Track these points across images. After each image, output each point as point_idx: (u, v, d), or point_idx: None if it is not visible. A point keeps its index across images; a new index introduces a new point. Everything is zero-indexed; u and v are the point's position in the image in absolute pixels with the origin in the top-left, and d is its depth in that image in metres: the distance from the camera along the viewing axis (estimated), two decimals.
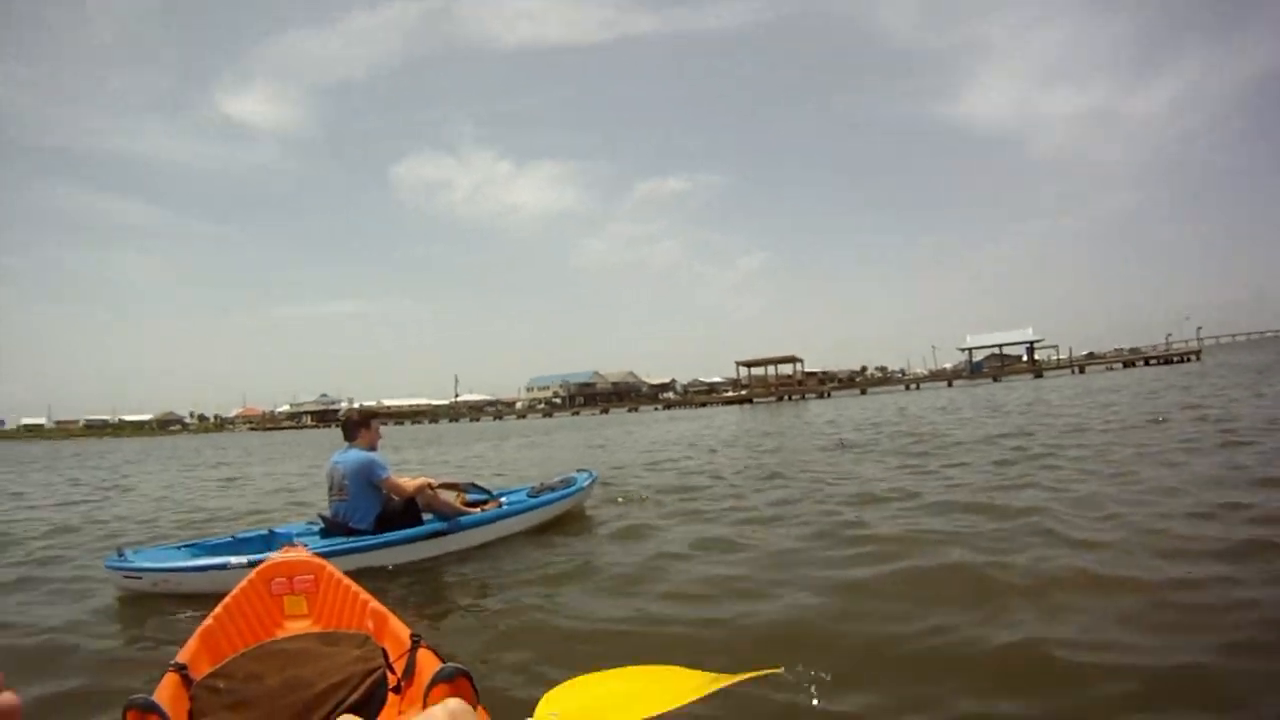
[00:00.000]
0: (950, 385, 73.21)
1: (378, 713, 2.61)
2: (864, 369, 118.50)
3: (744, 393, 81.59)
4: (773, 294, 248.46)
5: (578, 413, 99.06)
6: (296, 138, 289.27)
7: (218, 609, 3.61)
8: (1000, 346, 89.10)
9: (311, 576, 4.05)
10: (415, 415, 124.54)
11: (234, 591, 3.86)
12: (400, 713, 2.68)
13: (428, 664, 2.80)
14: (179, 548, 6.54)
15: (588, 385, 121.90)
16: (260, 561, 4.32)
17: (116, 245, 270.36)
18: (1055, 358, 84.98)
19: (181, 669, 2.82)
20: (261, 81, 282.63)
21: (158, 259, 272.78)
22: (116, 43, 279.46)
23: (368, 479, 6.51)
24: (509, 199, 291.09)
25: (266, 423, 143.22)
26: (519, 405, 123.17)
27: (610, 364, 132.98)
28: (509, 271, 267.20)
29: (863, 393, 77.01)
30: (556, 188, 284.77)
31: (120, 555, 5.95)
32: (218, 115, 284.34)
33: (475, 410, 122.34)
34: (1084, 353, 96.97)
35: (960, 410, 25.49)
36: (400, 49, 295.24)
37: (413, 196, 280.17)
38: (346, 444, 6.73)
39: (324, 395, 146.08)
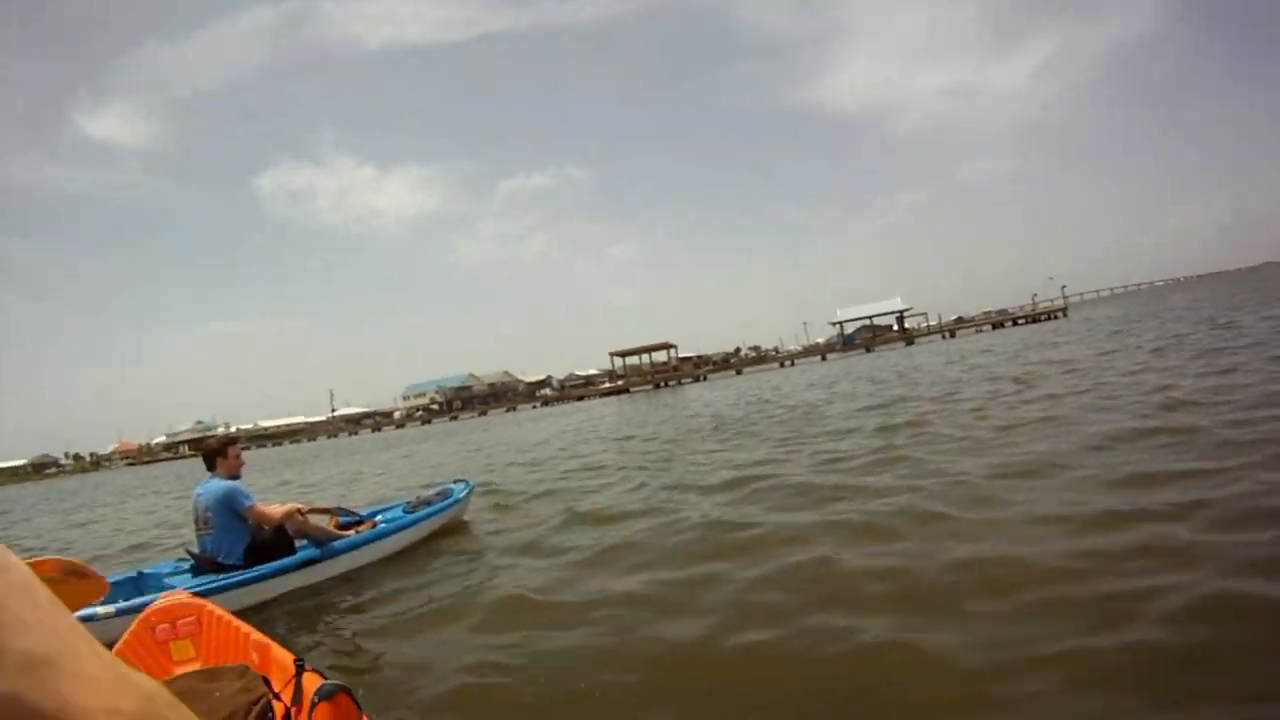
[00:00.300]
0: (824, 359, 72.92)
1: None
2: (738, 350, 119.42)
3: (620, 383, 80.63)
4: (644, 283, 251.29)
5: (455, 417, 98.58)
6: (159, 155, 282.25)
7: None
8: (871, 318, 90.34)
9: (193, 618, 3.91)
10: (292, 435, 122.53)
11: (118, 644, 3.75)
12: None
13: (313, 687, 2.69)
14: None
15: (464, 389, 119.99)
16: (135, 609, 4.30)
17: None
18: (925, 325, 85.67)
19: None
20: (119, 99, 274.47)
21: (21, 293, 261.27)
22: None
23: (231, 509, 6.23)
24: (375, 204, 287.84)
25: (144, 456, 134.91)
26: (397, 415, 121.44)
27: (486, 365, 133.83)
28: (380, 278, 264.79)
29: (738, 373, 77.40)
30: (423, 190, 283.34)
31: None
32: (77, 136, 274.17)
33: (352, 424, 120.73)
34: (953, 318, 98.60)
35: (835, 384, 25.68)
36: (258, 57, 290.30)
37: (278, 209, 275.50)
38: (209, 474, 6.47)
39: (199, 422, 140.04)
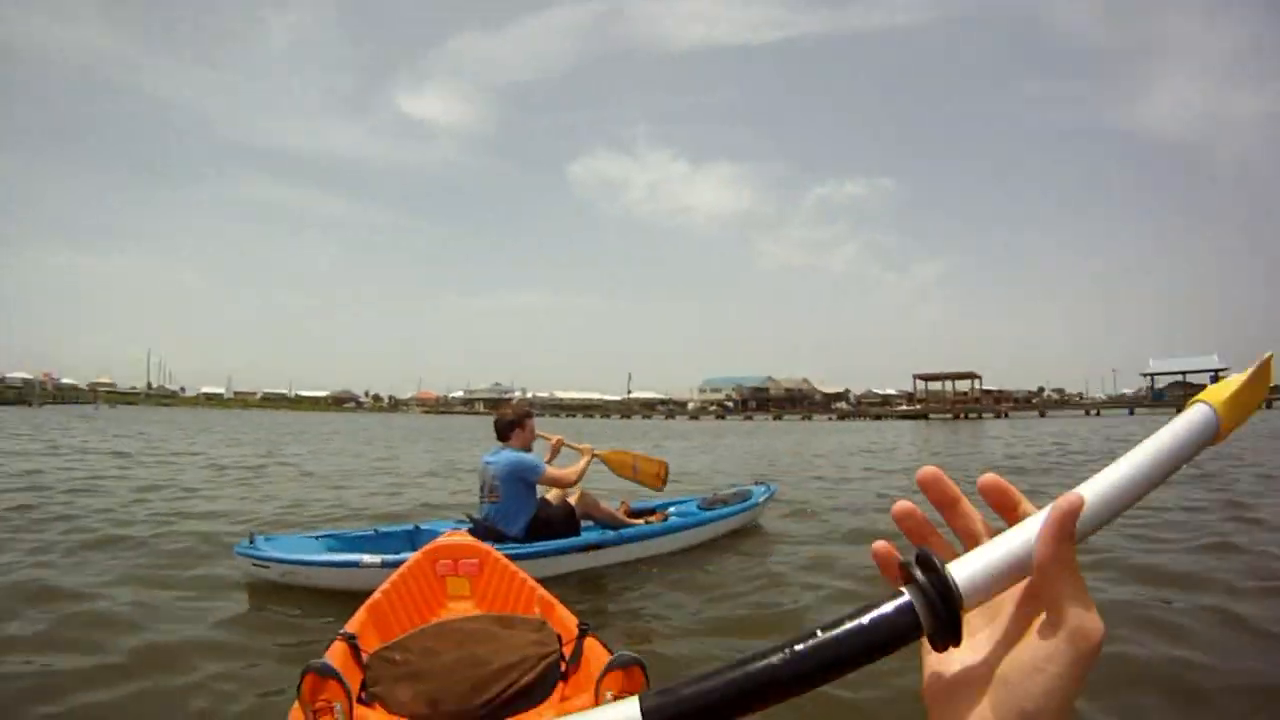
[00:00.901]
0: (1132, 413, 72.07)
1: (546, 696, 2.76)
2: (1041, 390, 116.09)
3: (919, 407, 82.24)
4: (950, 304, 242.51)
5: (750, 417, 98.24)
6: (474, 135, 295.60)
7: (385, 584, 3.77)
8: (1184, 374, 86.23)
9: (476, 560, 4.14)
10: (587, 409, 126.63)
11: (401, 569, 4.00)
12: (564, 698, 2.79)
13: (594, 653, 2.90)
14: (316, 538, 6.17)
15: (760, 390, 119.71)
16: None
17: (305, 235, 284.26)
18: None
19: (350, 639, 2.96)
20: (437, 82, 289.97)
21: (342, 248, 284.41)
22: (294, 48, 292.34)
23: (521, 480, 5.99)
24: (685, 199, 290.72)
25: (439, 407, 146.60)
26: (691, 406, 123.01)
27: (783, 369, 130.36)
28: (685, 271, 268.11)
29: (1041, 415, 76.77)
30: (732, 188, 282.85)
31: (250, 542, 5.62)
32: (397, 114, 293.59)
33: (647, 408, 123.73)
34: None
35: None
36: (570, 50, 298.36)
37: (590, 194, 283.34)
38: (499, 444, 6.21)
39: (497, 384, 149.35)
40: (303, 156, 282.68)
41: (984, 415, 73.72)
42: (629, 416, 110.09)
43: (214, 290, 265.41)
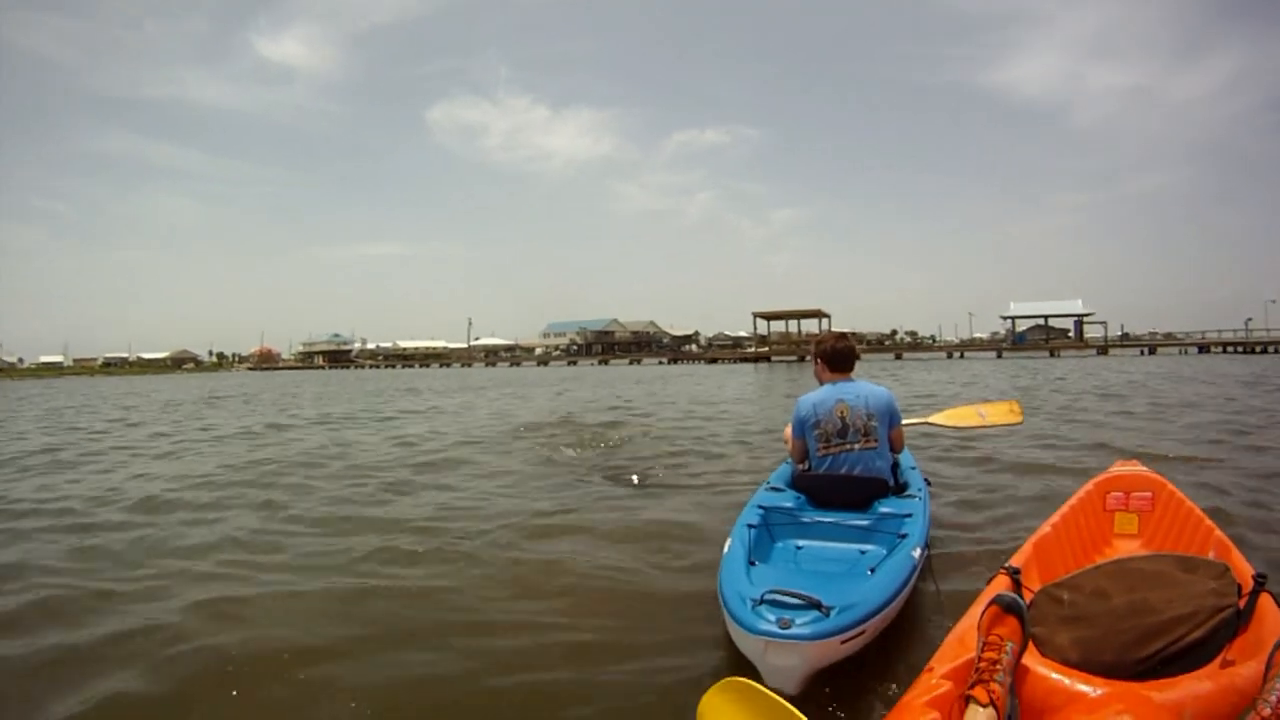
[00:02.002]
0: (1000, 356, 67.20)
1: (1210, 657, 2.32)
2: (894, 332, 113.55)
3: (764, 349, 75.88)
4: (804, 250, 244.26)
5: (606, 361, 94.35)
6: (333, 81, 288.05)
7: (1054, 518, 3.66)
8: (1046, 318, 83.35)
9: (1149, 494, 3.88)
10: (433, 358, 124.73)
11: (1070, 501, 3.87)
12: (1226, 662, 2.31)
13: (1270, 612, 2.44)
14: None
15: (606, 334, 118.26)
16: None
17: (154, 188, 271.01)
18: (1107, 335, 78.31)
19: (1014, 573, 2.94)
20: (297, 25, 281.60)
21: (194, 201, 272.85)
22: None
23: (891, 424, 4.64)
24: (545, 145, 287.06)
25: (263, 363, 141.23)
26: (539, 352, 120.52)
27: (633, 313, 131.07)
28: (538, 218, 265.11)
29: (898, 358, 72.53)
30: (593, 134, 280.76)
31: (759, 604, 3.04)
32: (255, 58, 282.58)
33: (491, 355, 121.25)
34: (1146, 331, 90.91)
35: (1102, 390, 19.08)
36: None
37: (449, 140, 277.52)
38: (834, 378, 4.70)
39: (336, 335, 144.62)
40: (154, 105, 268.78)
41: None
42: (469, 365, 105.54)
43: (48, 251, 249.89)
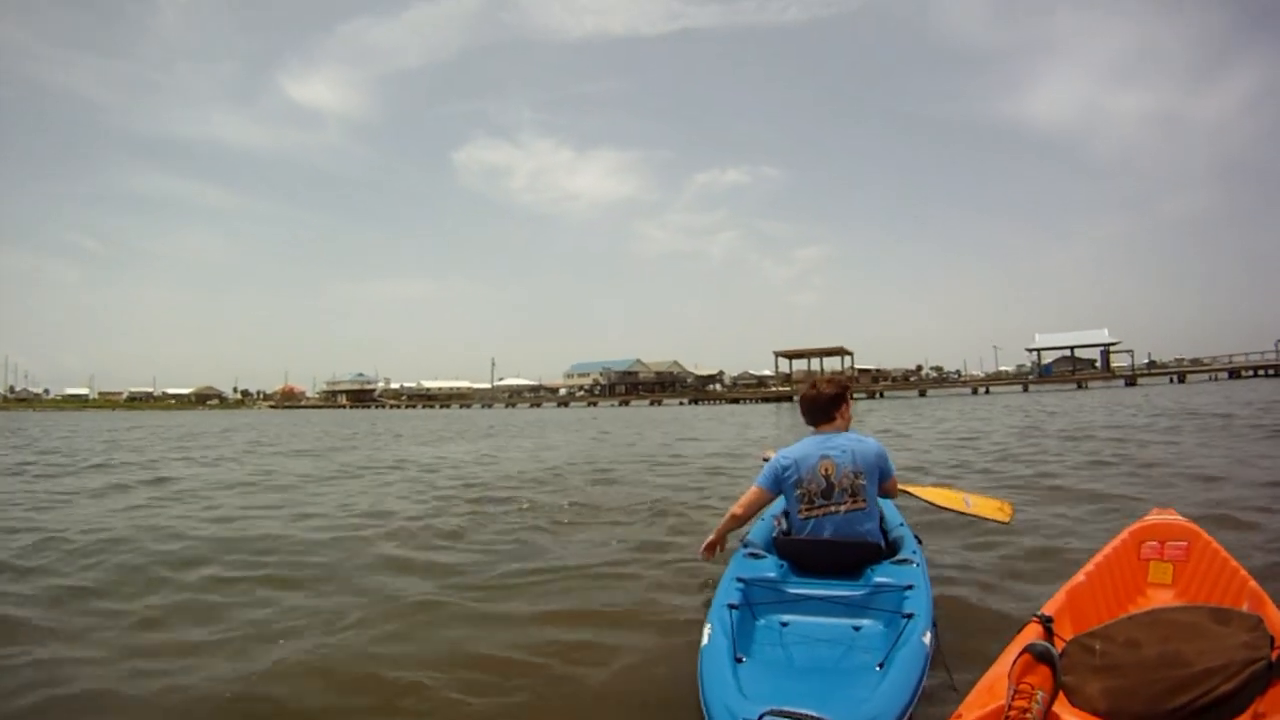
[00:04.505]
0: (1026, 389, 66.69)
1: (1241, 710, 2.30)
2: (919, 368, 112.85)
3: (788, 389, 75.54)
4: (827, 288, 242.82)
5: (627, 402, 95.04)
6: (360, 123, 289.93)
7: (1088, 566, 3.67)
8: (1072, 349, 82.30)
9: (1185, 544, 3.86)
10: (457, 398, 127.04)
11: (1105, 550, 3.87)
12: (1259, 714, 2.31)
13: None
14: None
15: (629, 374, 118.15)
16: None
17: (184, 226, 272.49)
18: (1134, 364, 77.55)
19: (1046, 621, 2.91)
20: (326, 69, 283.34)
21: (223, 239, 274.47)
22: (185, 32, 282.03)
23: (881, 479, 4.26)
24: (569, 186, 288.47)
25: (284, 401, 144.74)
26: (562, 392, 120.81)
27: (657, 354, 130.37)
28: (562, 259, 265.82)
29: (922, 394, 71.94)
30: (616, 176, 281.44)
31: None
32: (284, 100, 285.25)
33: (514, 395, 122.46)
34: (1175, 358, 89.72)
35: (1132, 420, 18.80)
36: (461, 38, 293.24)
37: (474, 182, 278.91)
38: (818, 430, 4.42)
39: (360, 374, 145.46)
40: (185, 145, 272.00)
41: (856, 396, 66.81)
42: (490, 406, 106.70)
43: (79, 286, 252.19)
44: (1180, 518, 4.08)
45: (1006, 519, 5.56)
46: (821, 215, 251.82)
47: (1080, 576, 3.52)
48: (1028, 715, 2.17)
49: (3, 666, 3.91)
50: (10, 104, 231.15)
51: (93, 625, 4.55)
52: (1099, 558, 3.75)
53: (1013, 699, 2.22)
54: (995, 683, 2.45)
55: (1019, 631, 2.88)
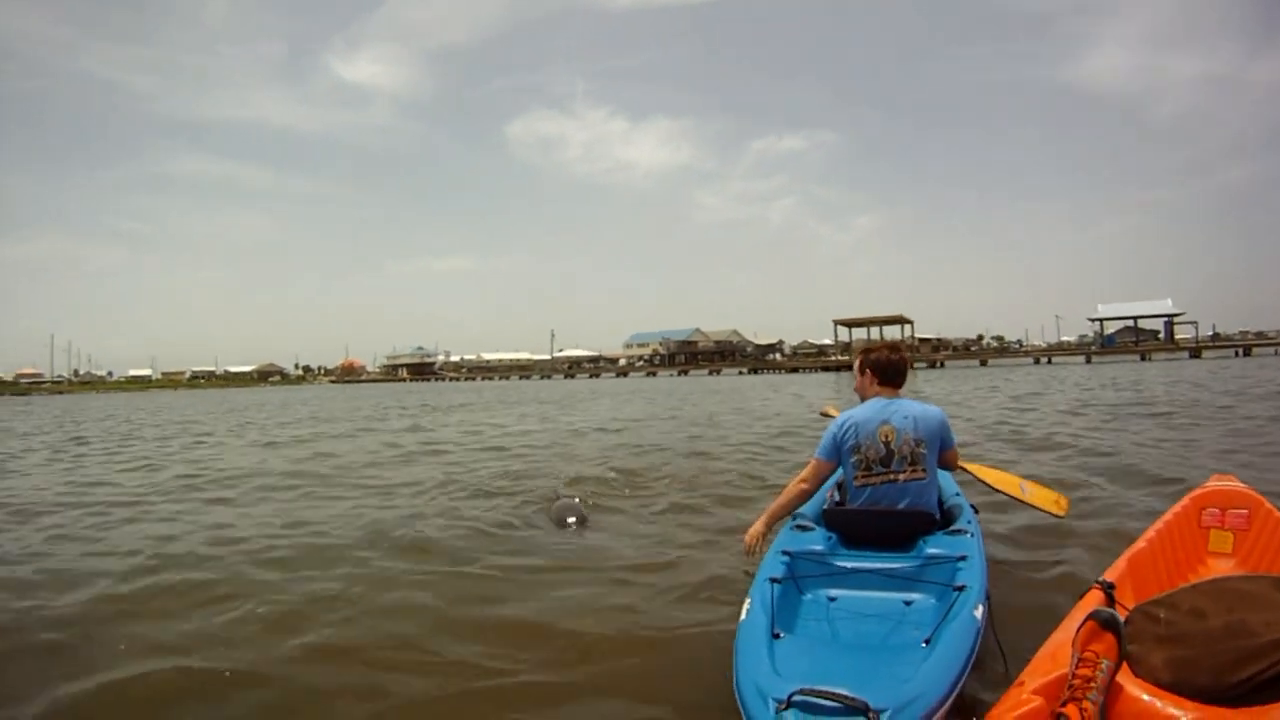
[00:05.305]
0: (1089, 360, 65.83)
1: None
2: (980, 337, 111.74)
3: (845, 358, 75.49)
4: (886, 256, 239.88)
5: (685, 371, 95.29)
6: (410, 100, 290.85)
7: (1149, 532, 3.66)
8: (1135, 319, 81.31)
9: (1246, 511, 3.78)
10: (513, 369, 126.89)
11: (1166, 516, 3.83)
12: None
13: None
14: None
15: (689, 344, 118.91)
16: None
17: (236, 208, 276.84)
18: (1198, 335, 76.57)
19: (1108, 588, 2.88)
20: (372, 47, 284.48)
21: (276, 220, 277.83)
22: (228, 16, 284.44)
23: (942, 448, 4.13)
24: (624, 156, 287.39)
25: (345, 376, 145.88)
26: (621, 363, 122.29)
27: (716, 323, 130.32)
28: (621, 228, 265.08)
29: (983, 364, 71.82)
30: (671, 144, 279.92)
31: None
32: (332, 80, 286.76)
33: (573, 366, 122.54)
34: (1240, 331, 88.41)
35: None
36: (507, 10, 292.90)
37: (529, 154, 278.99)
38: (881, 393, 4.24)
39: (419, 348, 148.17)
40: (234, 128, 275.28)
41: (916, 366, 67.68)
42: (549, 376, 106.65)
43: (131, 270, 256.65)
44: (1242, 485, 3.98)
45: (1062, 512, 5.50)
46: (880, 181, 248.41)
47: (1141, 543, 3.50)
48: (1092, 684, 2.17)
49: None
50: (56, 96, 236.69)
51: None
52: (1159, 524, 3.71)
53: (1076, 667, 2.22)
54: (1058, 650, 2.42)
55: (1080, 598, 2.85)
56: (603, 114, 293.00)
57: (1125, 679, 2.27)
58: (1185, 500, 3.91)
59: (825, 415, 5.08)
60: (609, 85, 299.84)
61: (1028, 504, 5.40)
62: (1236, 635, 2.29)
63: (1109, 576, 3.00)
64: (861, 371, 4.36)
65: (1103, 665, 2.20)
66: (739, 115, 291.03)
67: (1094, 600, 2.77)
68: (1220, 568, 3.57)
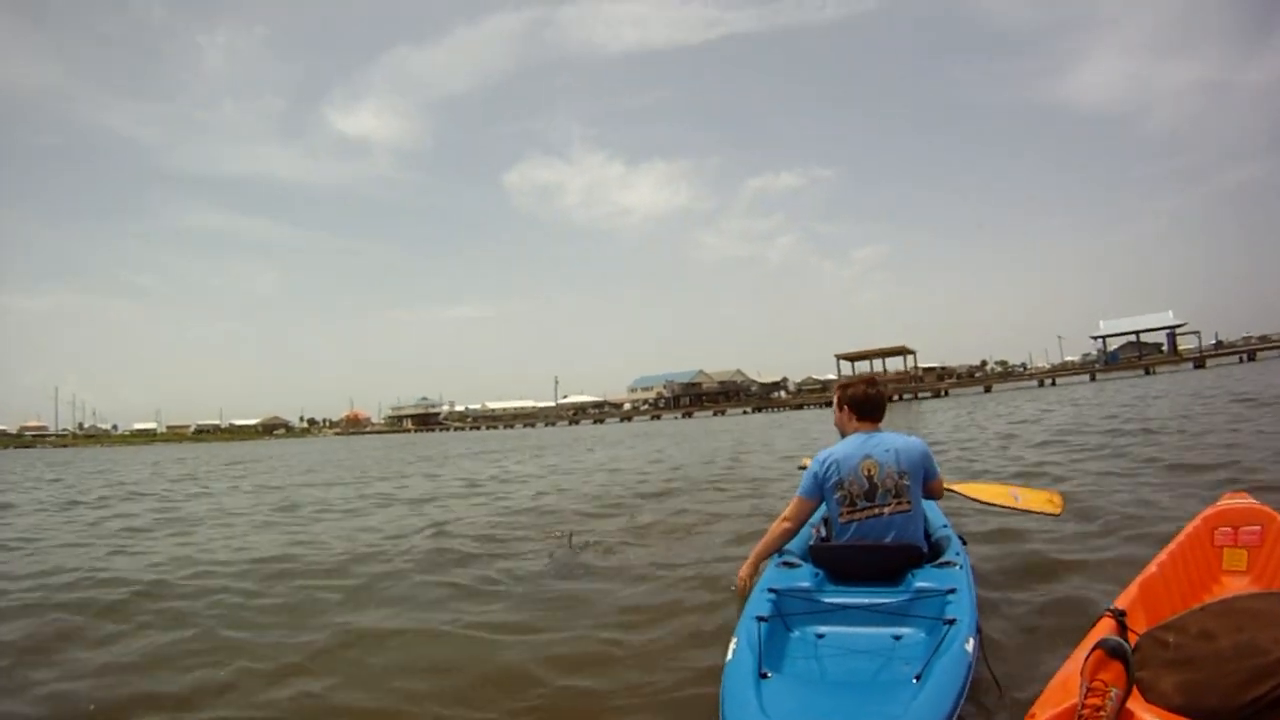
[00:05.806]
0: (1094, 379, 64.99)
1: None
2: (984, 363, 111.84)
3: None
4: (887, 287, 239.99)
5: (690, 414, 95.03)
6: (409, 150, 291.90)
7: (1161, 556, 3.61)
8: (1138, 334, 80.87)
9: (1258, 528, 3.75)
10: (518, 418, 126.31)
11: (1178, 538, 3.79)
12: None
13: None
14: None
15: (693, 385, 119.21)
16: None
17: (241, 261, 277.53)
18: (1201, 345, 76.38)
19: (1119, 615, 2.85)
20: (371, 99, 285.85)
21: (280, 272, 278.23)
22: (226, 71, 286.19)
23: (925, 480, 4.14)
24: (622, 200, 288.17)
25: (349, 428, 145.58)
26: (626, 407, 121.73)
27: (719, 363, 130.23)
28: (621, 273, 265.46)
29: (987, 390, 70.90)
30: (670, 186, 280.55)
31: None
32: (331, 133, 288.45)
33: (578, 413, 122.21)
34: (1243, 336, 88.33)
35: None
36: (503, 60, 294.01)
37: (527, 202, 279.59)
38: (861, 428, 4.27)
39: (424, 398, 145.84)
40: (237, 182, 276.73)
41: (920, 395, 67.79)
42: (553, 424, 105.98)
43: (140, 323, 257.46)
44: (1254, 501, 3.94)
45: (1057, 511, 5.50)
46: (878, 213, 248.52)
47: (1152, 567, 3.45)
48: (1101, 713, 2.18)
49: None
50: (63, 150, 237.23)
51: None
52: (1171, 546, 3.67)
53: (1085, 696, 2.23)
54: (1068, 680, 2.43)
55: (1092, 626, 2.83)
56: (600, 159, 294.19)
57: (1137, 705, 2.30)
58: (1196, 521, 3.91)
59: (803, 469, 5.06)
60: (605, 130, 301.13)
61: (1023, 510, 5.49)
62: (1246, 655, 2.30)
63: (1120, 604, 3.04)
64: (840, 407, 4.37)
65: (1111, 694, 2.22)
66: (734, 154, 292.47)
67: (1105, 628, 2.78)
68: (1235, 586, 3.55)
